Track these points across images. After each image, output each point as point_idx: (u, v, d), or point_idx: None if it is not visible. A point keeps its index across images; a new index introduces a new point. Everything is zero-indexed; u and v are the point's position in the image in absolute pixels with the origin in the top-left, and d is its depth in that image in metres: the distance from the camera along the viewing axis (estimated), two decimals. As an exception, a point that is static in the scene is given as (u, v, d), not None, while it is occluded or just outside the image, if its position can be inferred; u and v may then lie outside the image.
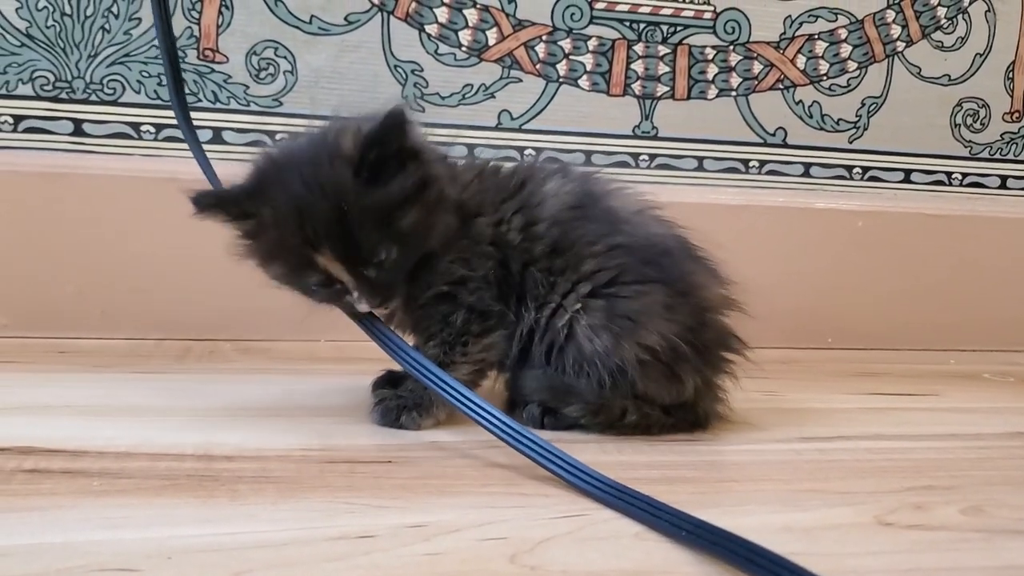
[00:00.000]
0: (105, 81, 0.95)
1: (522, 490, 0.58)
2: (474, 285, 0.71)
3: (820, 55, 1.14)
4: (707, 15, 1.09)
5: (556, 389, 0.71)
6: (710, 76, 1.11)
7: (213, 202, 0.65)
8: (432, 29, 1.02)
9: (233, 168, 0.96)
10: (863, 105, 1.16)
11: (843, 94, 1.16)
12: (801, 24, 1.12)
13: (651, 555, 0.50)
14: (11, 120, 0.94)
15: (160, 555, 0.47)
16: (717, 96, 1.12)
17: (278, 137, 0.68)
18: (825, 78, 1.15)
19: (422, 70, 1.02)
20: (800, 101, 1.14)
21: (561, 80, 1.07)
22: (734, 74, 1.12)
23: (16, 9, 0.92)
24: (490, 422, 0.62)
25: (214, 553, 0.47)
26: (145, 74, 0.95)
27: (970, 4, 1.17)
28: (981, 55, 1.18)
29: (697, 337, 0.71)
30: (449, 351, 0.71)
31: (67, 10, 0.93)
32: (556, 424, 0.72)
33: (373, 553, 0.48)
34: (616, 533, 0.52)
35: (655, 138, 1.11)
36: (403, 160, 0.65)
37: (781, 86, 1.13)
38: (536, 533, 0.52)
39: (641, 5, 1.07)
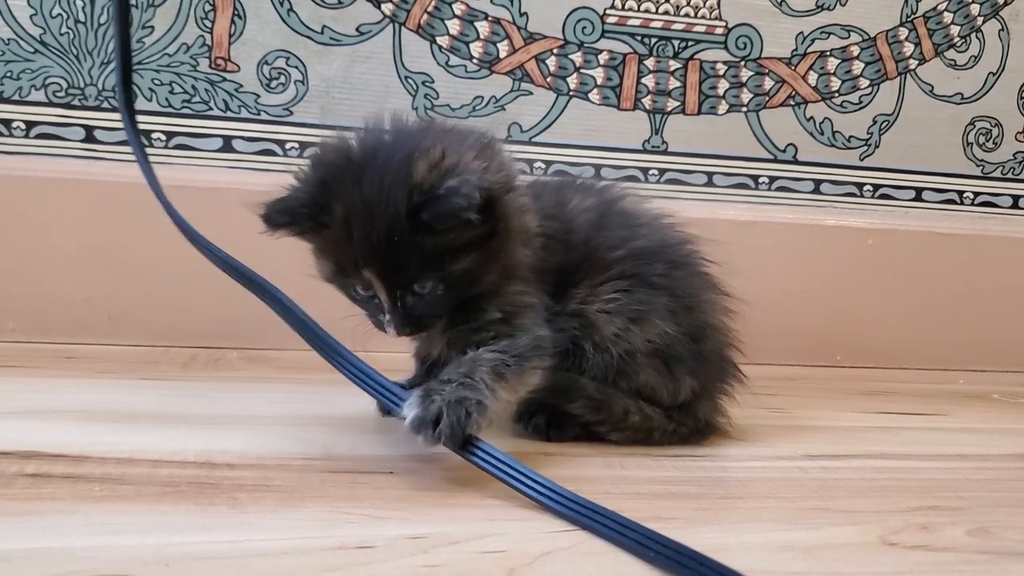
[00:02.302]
0: (117, 88, 0.95)
1: (522, 503, 0.58)
2: (535, 312, 0.69)
3: (832, 72, 1.14)
4: (719, 30, 1.09)
5: (559, 386, 0.71)
6: (721, 91, 1.11)
7: (287, 219, 0.64)
8: (443, 41, 1.02)
9: (244, 176, 0.98)
10: (875, 122, 1.16)
11: (855, 111, 1.15)
12: (813, 41, 1.12)
13: (651, 571, 0.50)
14: (23, 126, 0.94)
15: (158, 562, 0.46)
16: (728, 112, 1.12)
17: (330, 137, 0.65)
18: (837, 95, 1.14)
19: (433, 81, 1.03)
20: (811, 118, 1.14)
21: (572, 93, 1.07)
22: (745, 90, 1.11)
23: (31, 16, 0.93)
24: None
25: (212, 561, 0.47)
26: (157, 82, 0.96)
27: (984, 23, 1.17)
28: (994, 74, 1.18)
29: (695, 345, 0.73)
30: (511, 367, 0.65)
31: (81, 17, 0.94)
32: (561, 436, 0.71)
33: (371, 564, 0.48)
34: (615, 548, 0.52)
35: (665, 153, 1.11)
36: (468, 218, 0.61)
37: (792, 102, 1.13)
38: (535, 547, 0.51)
39: (653, 20, 1.07)
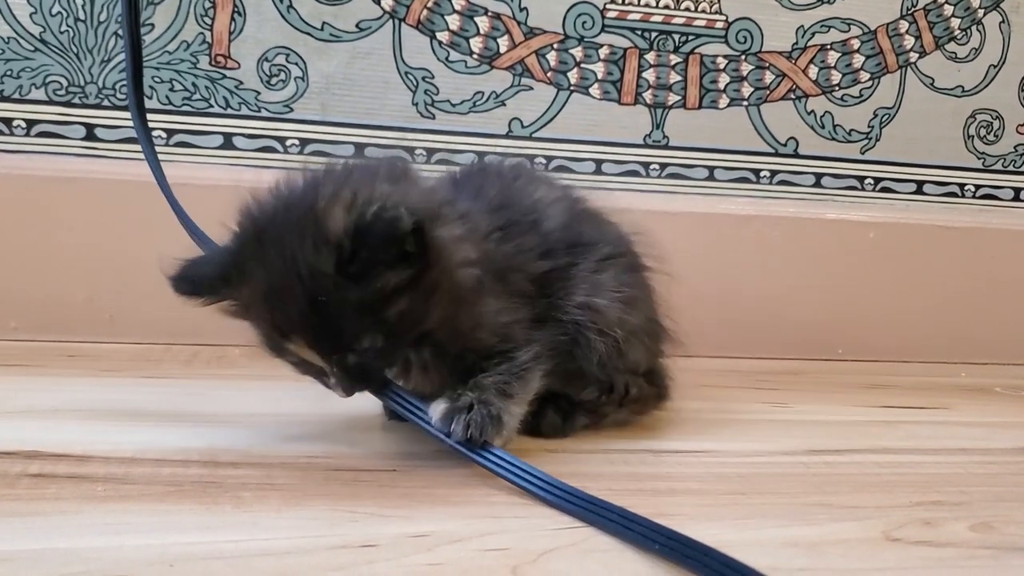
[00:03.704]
0: (118, 86, 0.95)
1: (526, 500, 0.58)
2: (521, 323, 0.67)
3: (832, 65, 1.14)
4: (719, 25, 1.09)
5: (571, 375, 0.72)
6: (721, 86, 1.11)
7: (191, 289, 0.62)
8: (443, 36, 1.02)
9: (242, 173, 0.98)
10: (875, 116, 1.16)
11: (855, 104, 1.15)
12: (813, 34, 1.12)
13: (655, 568, 0.50)
14: (24, 124, 0.94)
15: (162, 562, 0.47)
16: (728, 106, 1.11)
17: (268, 182, 0.62)
18: (837, 88, 1.14)
19: (433, 77, 1.03)
20: (812, 111, 1.14)
21: (572, 88, 1.07)
22: (746, 84, 1.11)
23: (31, 14, 0.93)
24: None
25: (216, 561, 0.47)
26: (157, 79, 0.96)
27: (984, 15, 1.16)
28: (995, 66, 1.18)
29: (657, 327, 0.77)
30: (513, 383, 0.65)
31: (81, 16, 0.93)
32: (573, 428, 0.73)
33: (375, 563, 0.48)
34: (619, 545, 0.52)
35: (666, 147, 1.11)
36: (398, 257, 0.57)
37: (793, 96, 1.13)
38: (538, 544, 0.51)
39: (653, 14, 1.07)
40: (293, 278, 0.57)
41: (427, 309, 0.60)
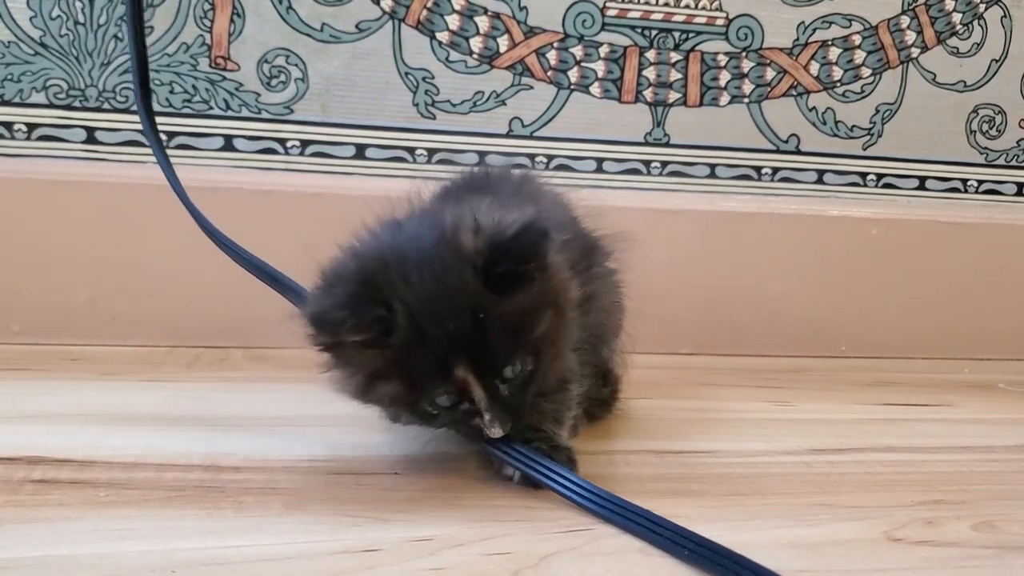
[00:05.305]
0: (118, 89, 0.95)
1: (528, 503, 0.58)
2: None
3: (834, 61, 1.13)
4: (719, 21, 1.09)
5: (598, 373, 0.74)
6: (722, 83, 1.10)
7: (341, 332, 0.55)
8: (443, 36, 1.02)
9: (246, 176, 0.98)
10: (877, 112, 1.15)
11: (857, 100, 1.15)
12: (815, 30, 1.12)
13: (656, 571, 0.50)
14: (25, 128, 0.94)
15: (164, 568, 0.47)
16: (729, 103, 1.11)
17: (363, 229, 0.61)
18: (839, 84, 1.14)
19: (433, 77, 1.02)
20: (813, 108, 1.13)
21: (572, 87, 1.07)
22: (747, 81, 1.11)
23: (30, 18, 0.93)
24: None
25: (218, 566, 0.48)
26: (157, 82, 0.96)
27: (986, 10, 1.16)
28: (997, 61, 1.17)
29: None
30: (563, 412, 0.65)
31: (80, 19, 0.93)
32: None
33: (377, 568, 0.49)
34: (621, 548, 0.52)
35: (667, 145, 1.10)
36: (533, 274, 0.57)
37: (794, 92, 1.13)
38: (540, 548, 0.52)
39: (653, 12, 1.07)
40: (448, 301, 0.55)
41: (559, 331, 0.60)
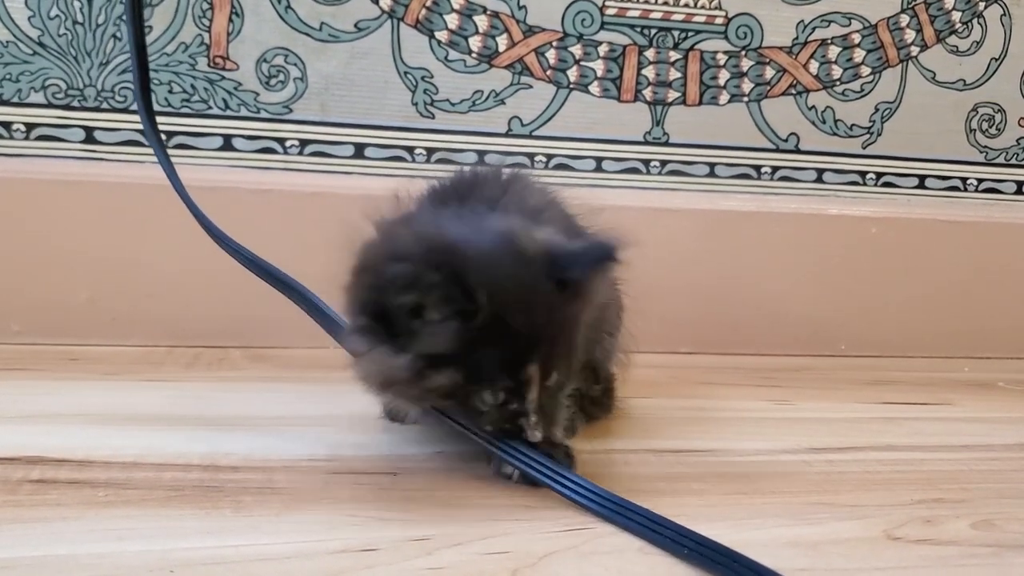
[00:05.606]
0: (116, 89, 0.95)
1: (526, 502, 0.58)
2: None
3: (833, 60, 1.13)
4: (719, 20, 1.09)
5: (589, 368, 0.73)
6: (722, 82, 1.10)
7: (430, 300, 0.54)
8: (442, 35, 1.02)
9: (245, 175, 0.98)
10: (877, 110, 1.15)
11: (856, 99, 1.15)
12: (814, 29, 1.12)
13: (655, 570, 0.50)
14: (23, 128, 0.94)
15: (162, 568, 0.47)
16: (729, 102, 1.11)
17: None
18: (838, 83, 1.14)
19: (432, 76, 1.02)
20: (813, 106, 1.13)
21: (572, 86, 1.07)
22: (746, 79, 1.11)
23: (29, 18, 0.93)
24: (481, 436, 0.60)
25: (216, 566, 0.47)
26: (156, 81, 0.96)
27: (986, 8, 1.16)
28: (997, 59, 1.17)
29: None
30: (557, 412, 0.65)
31: (79, 19, 0.93)
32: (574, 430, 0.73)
33: (375, 567, 0.48)
34: (619, 548, 0.52)
35: (666, 144, 1.10)
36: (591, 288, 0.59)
37: (794, 91, 1.13)
38: (539, 547, 0.51)
39: (652, 10, 1.07)
40: (529, 297, 0.55)
41: (582, 348, 0.62)
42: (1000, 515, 0.61)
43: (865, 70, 1.14)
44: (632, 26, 1.07)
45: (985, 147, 1.19)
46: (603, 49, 1.07)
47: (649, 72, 1.08)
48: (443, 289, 0.53)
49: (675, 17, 1.08)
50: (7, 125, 0.94)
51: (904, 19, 1.14)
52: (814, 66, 1.12)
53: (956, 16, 1.15)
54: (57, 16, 0.93)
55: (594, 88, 1.07)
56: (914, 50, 1.15)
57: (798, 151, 1.14)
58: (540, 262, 0.56)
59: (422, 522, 0.54)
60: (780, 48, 1.11)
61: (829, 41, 1.12)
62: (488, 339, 0.54)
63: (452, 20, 1.02)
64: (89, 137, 0.96)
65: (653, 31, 1.07)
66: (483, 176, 0.71)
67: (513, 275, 0.55)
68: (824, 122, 1.14)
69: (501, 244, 0.57)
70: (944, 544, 0.56)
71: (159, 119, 0.94)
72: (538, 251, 0.57)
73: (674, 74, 1.09)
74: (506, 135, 1.05)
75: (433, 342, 0.54)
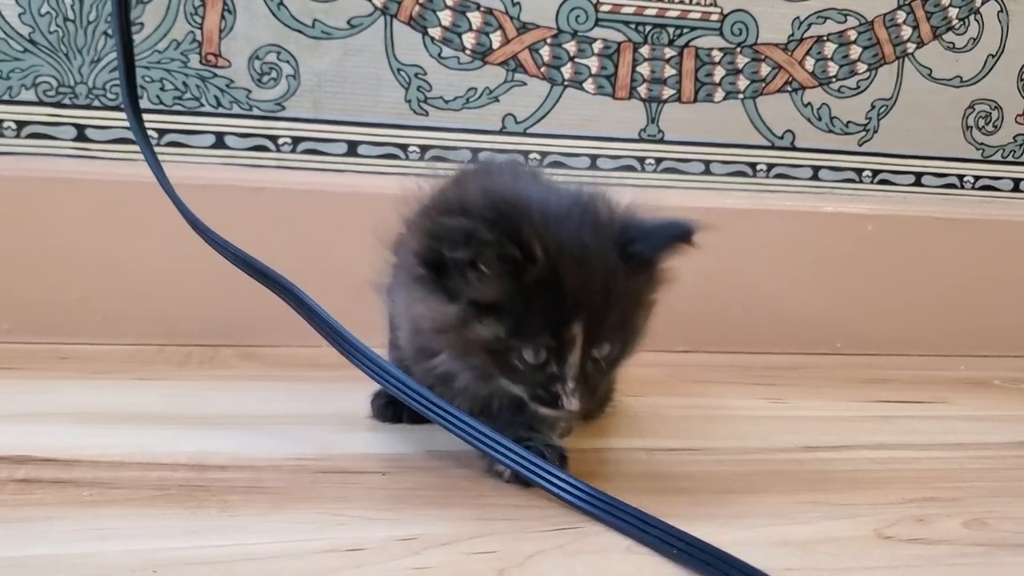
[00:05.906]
0: (108, 86, 0.95)
1: (515, 502, 0.58)
2: None
3: (829, 57, 1.13)
4: (714, 17, 1.08)
5: None
6: (717, 79, 1.10)
7: (486, 248, 0.54)
8: (435, 32, 1.02)
9: (238, 173, 0.98)
10: (873, 107, 1.15)
11: (852, 96, 1.14)
12: (810, 25, 1.11)
13: (642, 569, 0.50)
14: (14, 126, 0.94)
15: (145, 568, 0.46)
16: (724, 99, 1.11)
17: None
18: (834, 80, 1.13)
19: (425, 73, 1.02)
20: (809, 103, 1.13)
21: (566, 83, 1.06)
22: (741, 76, 1.10)
23: (19, 15, 0.92)
24: (472, 435, 0.60)
25: (200, 566, 0.47)
26: (147, 79, 0.95)
27: (982, 4, 1.15)
28: (993, 56, 1.17)
29: None
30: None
31: (70, 15, 0.93)
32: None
33: (362, 567, 0.48)
34: (607, 547, 0.52)
35: (661, 141, 1.10)
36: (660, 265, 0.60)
37: (789, 88, 1.12)
38: (526, 547, 0.51)
39: (647, 7, 1.06)
40: (588, 257, 0.55)
41: (644, 332, 0.62)
42: (992, 514, 0.61)
43: (861, 67, 1.14)
44: (627, 23, 1.06)
45: (982, 144, 1.19)
46: (598, 46, 1.06)
47: (644, 69, 1.08)
48: (496, 247, 0.54)
49: (670, 14, 1.07)
50: (-2, 123, 0.94)
51: (900, 16, 1.14)
52: (810, 63, 1.12)
53: (953, 13, 1.15)
54: (48, 13, 0.93)
55: (588, 85, 1.07)
56: (910, 47, 1.15)
57: (794, 148, 1.14)
58: (611, 229, 0.57)
59: (410, 522, 0.54)
60: (776, 45, 1.11)
61: (825, 38, 1.12)
62: (539, 295, 0.54)
63: (445, 17, 1.02)
64: (80, 135, 0.95)
65: (648, 28, 1.07)
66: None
67: (578, 235, 0.56)
68: (820, 119, 1.14)
69: (573, 205, 0.58)
70: (935, 543, 0.56)
71: (150, 116, 0.94)
72: (612, 218, 0.58)
73: (669, 71, 1.09)
74: (500, 132, 1.05)
75: (484, 290, 0.55)
